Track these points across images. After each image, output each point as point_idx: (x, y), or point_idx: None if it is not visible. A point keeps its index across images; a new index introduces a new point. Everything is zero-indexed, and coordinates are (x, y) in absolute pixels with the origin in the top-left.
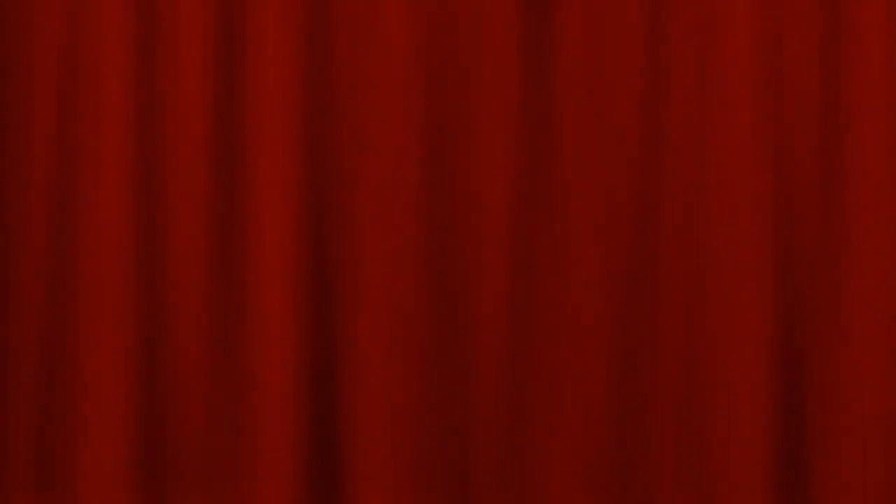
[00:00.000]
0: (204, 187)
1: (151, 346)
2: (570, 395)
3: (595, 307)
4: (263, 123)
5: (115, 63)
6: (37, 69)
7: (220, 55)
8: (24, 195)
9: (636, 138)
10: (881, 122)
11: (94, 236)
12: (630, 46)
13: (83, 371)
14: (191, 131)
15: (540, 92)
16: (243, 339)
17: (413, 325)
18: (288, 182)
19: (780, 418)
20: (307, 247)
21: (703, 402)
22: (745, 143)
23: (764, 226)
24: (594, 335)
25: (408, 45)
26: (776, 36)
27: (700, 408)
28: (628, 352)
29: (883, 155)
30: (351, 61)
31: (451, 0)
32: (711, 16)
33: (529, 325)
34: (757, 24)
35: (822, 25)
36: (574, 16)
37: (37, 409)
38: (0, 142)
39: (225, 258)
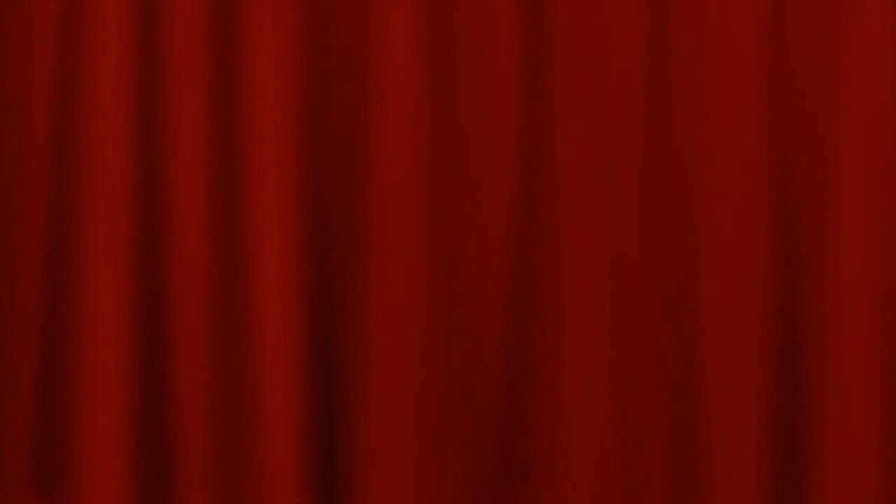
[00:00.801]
0: (204, 185)
1: (151, 347)
2: (573, 394)
3: (596, 306)
4: (263, 120)
5: (113, 60)
6: (36, 68)
7: (219, 52)
8: (23, 194)
9: (636, 136)
10: (881, 121)
11: (93, 235)
12: (630, 44)
13: (83, 372)
14: (189, 128)
15: (541, 90)
16: (246, 340)
17: (416, 322)
18: (289, 179)
19: (779, 417)
20: (309, 243)
21: (702, 399)
22: (744, 143)
23: (763, 225)
24: (595, 335)
25: (407, 41)
26: (776, 35)
27: (698, 406)
28: (628, 350)
29: (883, 154)
30: (351, 57)
31: None
32: (712, 14)
33: (532, 322)
34: (756, 22)
35: (823, 25)
36: (574, 12)
37: (36, 410)
38: None
39: (226, 256)
